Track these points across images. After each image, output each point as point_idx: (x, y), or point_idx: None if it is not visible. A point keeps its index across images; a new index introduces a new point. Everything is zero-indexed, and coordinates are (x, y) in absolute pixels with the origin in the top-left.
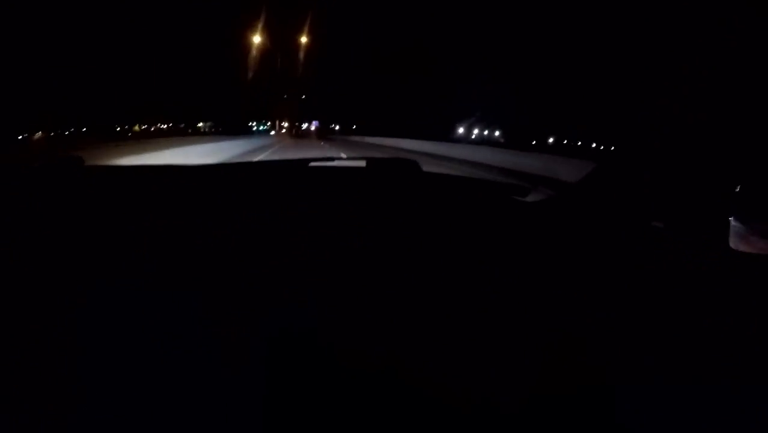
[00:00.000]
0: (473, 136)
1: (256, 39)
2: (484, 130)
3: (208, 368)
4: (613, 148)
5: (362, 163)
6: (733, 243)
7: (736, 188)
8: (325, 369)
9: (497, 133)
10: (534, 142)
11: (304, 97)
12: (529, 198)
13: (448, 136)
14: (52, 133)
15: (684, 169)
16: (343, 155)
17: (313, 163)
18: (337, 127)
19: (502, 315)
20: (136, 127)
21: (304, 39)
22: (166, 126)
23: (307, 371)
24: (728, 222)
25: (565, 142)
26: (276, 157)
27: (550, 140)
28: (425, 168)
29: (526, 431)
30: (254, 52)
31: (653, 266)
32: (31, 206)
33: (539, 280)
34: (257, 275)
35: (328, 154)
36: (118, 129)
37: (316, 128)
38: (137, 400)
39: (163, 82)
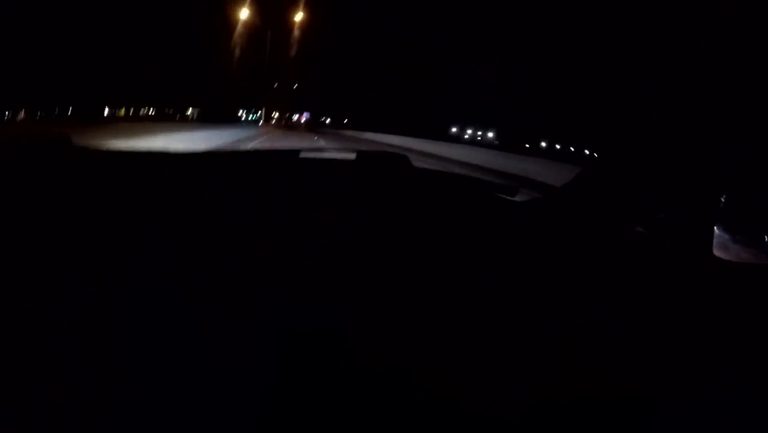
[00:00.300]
0: (466, 137)
1: (248, 26)
2: (477, 131)
3: (202, 364)
4: (596, 155)
5: (352, 156)
6: (717, 251)
7: (722, 198)
8: (320, 367)
9: (491, 134)
10: (527, 146)
11: (296, 87)
12: (518, 198)
13: (442, 135)
14: (37, 114)
15: (673, 174)
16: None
17: (303, 154)
18: (328, 120)
19: (492, 313)
20: (122, 111)
21: (296, 29)
22: (153, 111)
23: (301, 369)
24: (713, 230)
25: (558, 147)
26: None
27: (543, 144)
28: (415, 164)
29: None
30: (245, 38)
31: (638, 270)
32: (18, 187)
33: (527, 279)
34: (248, 266)
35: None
36: (106, 113)
37: (306, 120)
38: (134, 401)
39: (153, 68)
